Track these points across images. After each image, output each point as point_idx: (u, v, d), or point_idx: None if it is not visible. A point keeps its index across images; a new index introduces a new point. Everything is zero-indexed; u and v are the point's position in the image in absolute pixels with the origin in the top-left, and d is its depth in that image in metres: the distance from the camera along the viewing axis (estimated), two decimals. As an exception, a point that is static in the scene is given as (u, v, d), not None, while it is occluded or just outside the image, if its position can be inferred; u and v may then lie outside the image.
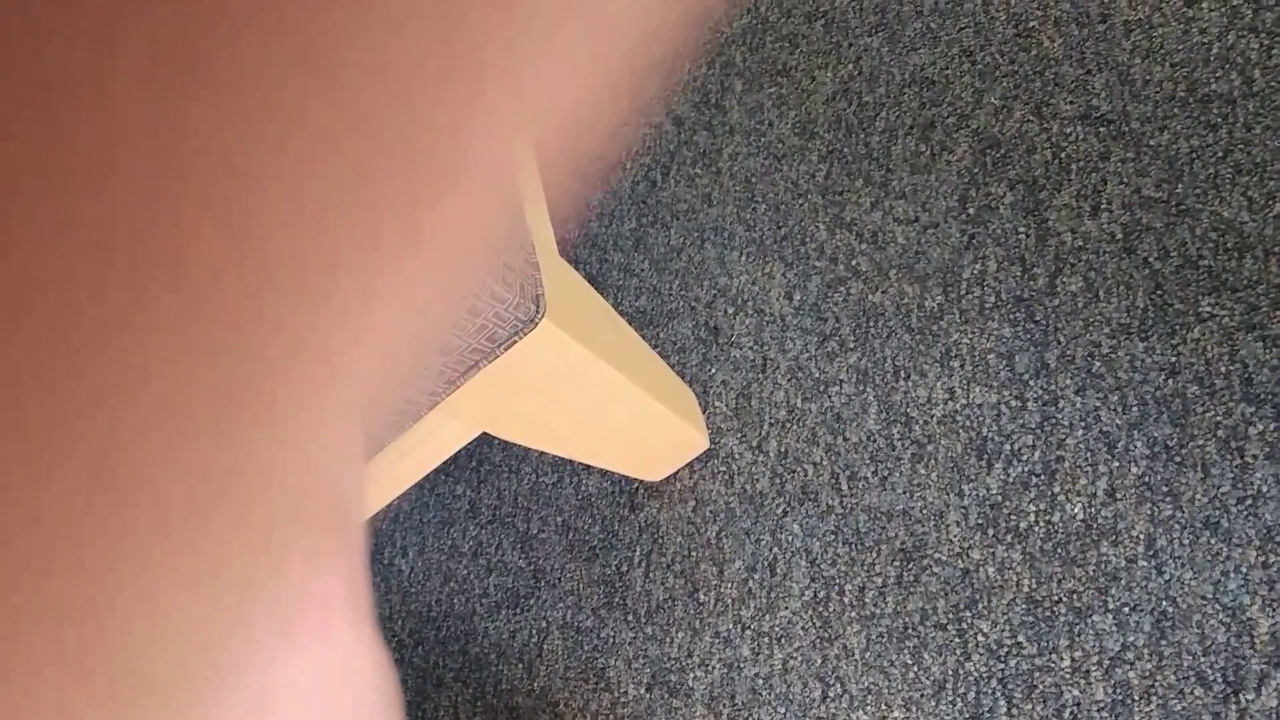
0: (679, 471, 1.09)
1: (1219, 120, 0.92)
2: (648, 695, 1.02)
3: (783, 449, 1.03)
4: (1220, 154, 0.91)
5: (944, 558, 0.91)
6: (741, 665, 0.98)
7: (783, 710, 0.95)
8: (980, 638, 0.88)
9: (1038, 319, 0.94)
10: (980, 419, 0.94)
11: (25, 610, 0.10)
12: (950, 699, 0.87)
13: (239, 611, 0.13)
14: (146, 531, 0.10)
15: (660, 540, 1.07)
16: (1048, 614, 0.85)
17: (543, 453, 1.20)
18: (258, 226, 0.09)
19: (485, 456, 1.25)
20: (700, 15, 1.31)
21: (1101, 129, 0.97)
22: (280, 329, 0.10)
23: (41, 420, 0.09)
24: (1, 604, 0.09)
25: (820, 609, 0.95)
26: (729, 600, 1.01)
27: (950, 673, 0.88)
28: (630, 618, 1.06)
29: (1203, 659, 0.78)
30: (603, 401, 0.96)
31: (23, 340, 0.08)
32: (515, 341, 0.87)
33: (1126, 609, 0.82)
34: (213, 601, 0.12)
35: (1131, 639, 0.81)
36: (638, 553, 1.08)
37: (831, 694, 0.93)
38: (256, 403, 0.11)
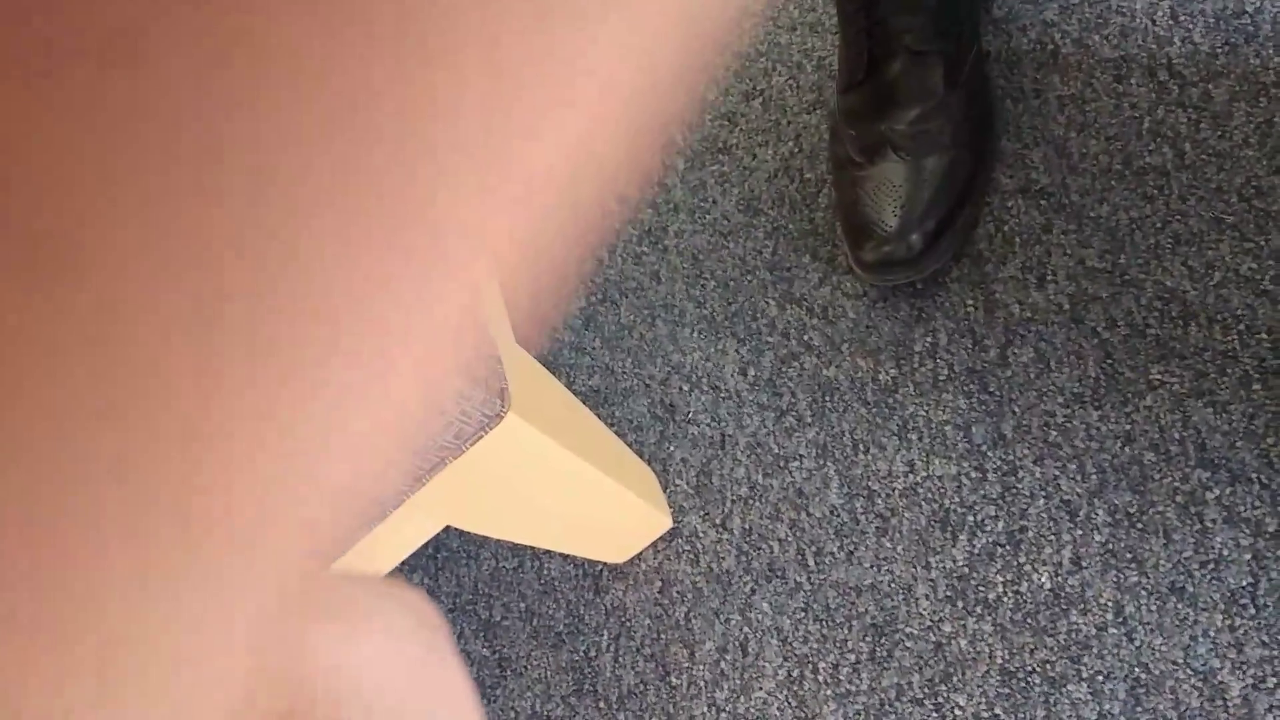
0: (643, 552, 1.09)
1: (1155, 192, 0.95)
2: (623, 782, 1.02)
3: (746, 526, 1.04)
4: (1159, 225, 0.94)
5: (915, 631, 0.92)
6: (718, 748, 0.98)
7: (762, 792, 0.95)
8: (957, 711, 0.89)
9: (991, 390, 0.96)
10: (942, 491, 0.95)
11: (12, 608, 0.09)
12: (931, 774, 0.88)
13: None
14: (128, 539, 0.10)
15: (628, 623, 1.07)
16: (1022, 685, 0.87)
17: (501, 537, 1.19)
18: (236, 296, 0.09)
19: (442, 543, 1.24)
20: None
21: (1042, 202, 1.00)
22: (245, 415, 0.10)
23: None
24: None
25: (795, 688, 0.96)
26: (702, 683, 1.00)
27: (929, 747, 0.89)
28: (602, 705, 1.05)
29: (1177, 723, 0.80)
30: (566, 488, 0.96)
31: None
32: (481, 437, 0.87)
33: (1100, 677, 0.84)
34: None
35: (1108, 707, 0.83)
36: (605, 637, 1.08)
37: (811, 774, 0.93)
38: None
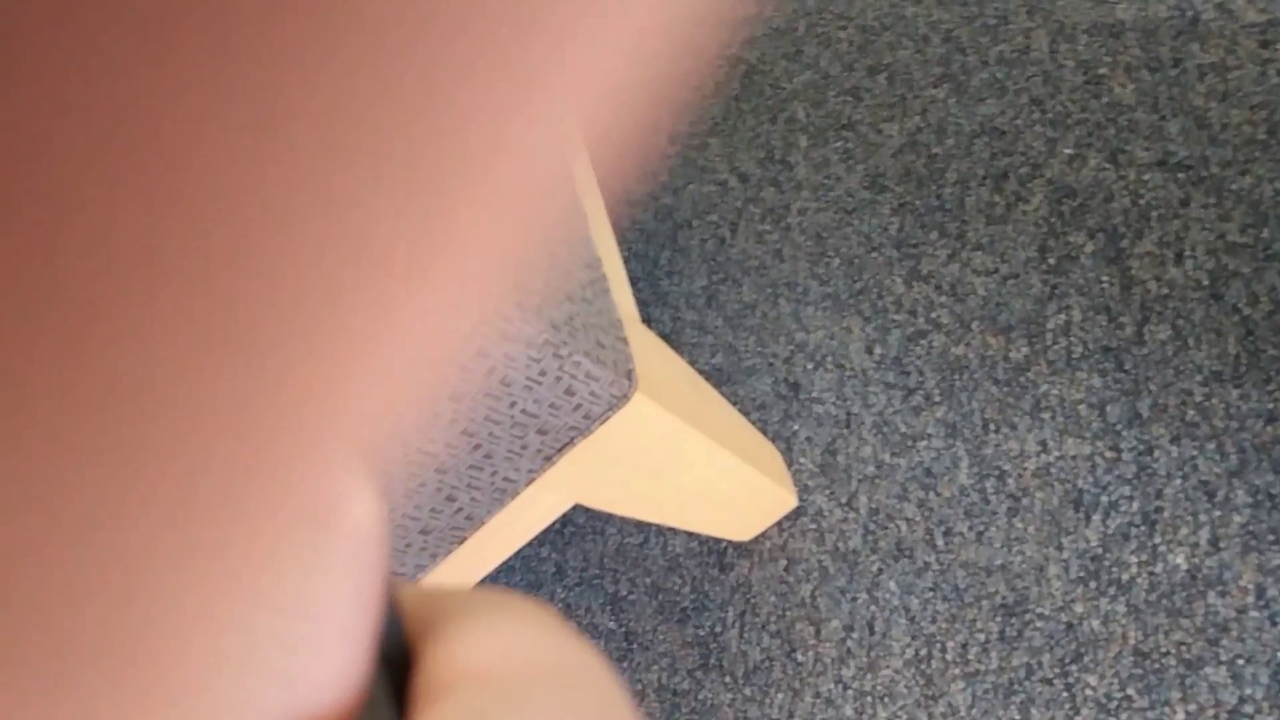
0: (768, 530, 1.09)
1: (1301, 163, 0.92)
2: (748, 756, 1.03)
3: (873, 505, 1.03)
4: (1304, 197, 0.91)
5: (1046, 612, 0.91)
6: (845, 725, 0.98)
7: (889, 769, 0.95)
8: (1089, 692, 0.87)
9: (1127, 368, 0.94)
10: (1075, 471, 0.94)
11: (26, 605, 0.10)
12: (1063, 756, 0.87)
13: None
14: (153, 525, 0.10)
15: (753, 600, 1.08)
16: (1157, 666, 0.85)
17: (627, 514, 1.20)
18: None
19: (569, 518, 1.26)
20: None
21: (1180, 175, 0.97)
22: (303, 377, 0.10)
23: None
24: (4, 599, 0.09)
25: (923, 667, 0.95)
26: (828, 660, 1.01)
27: (1061, 729, 0.88)
28: (728, 679, 1.06)
29: (1322, 710, 0.78)
30: (692, 466, 0.97)
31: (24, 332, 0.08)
32: (609, 416, 0.88)
33: (1240, 660, 0.82)
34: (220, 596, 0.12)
35: (1249, 691, 0.81)
36: (731, 613, 1.09)
37: (940, 753, 0.92)
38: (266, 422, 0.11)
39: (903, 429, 1.04)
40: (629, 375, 0.88)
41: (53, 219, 0.08)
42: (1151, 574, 0.88)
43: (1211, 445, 0.88)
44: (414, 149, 0.09)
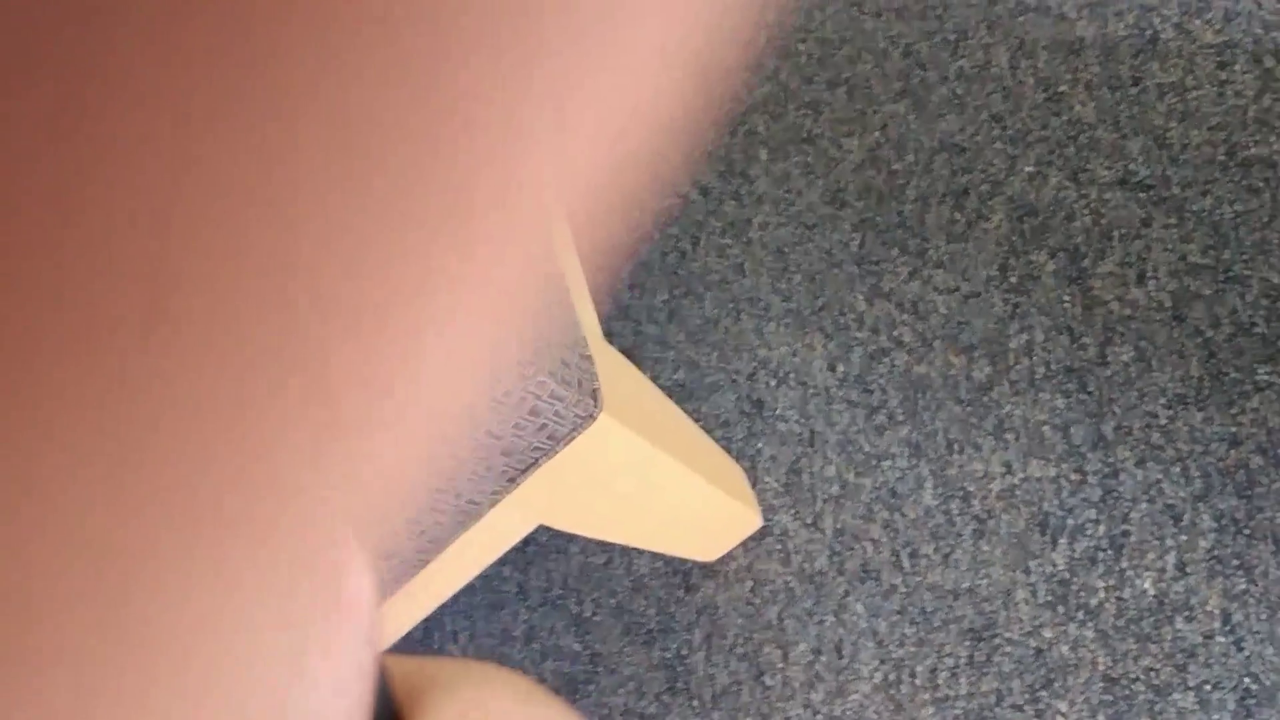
0: (733, 551, 1.09)
1: (1261, 184, 0.93)
2: (717, 780, 1.02)
3: (839, 526, 1.03)
4: (1265, 219, 0.91)
5: (1015, 637, 0.91)
6: (814, 750, 0.98)
7: (858, 793, 0.95)
8: (1059, 718, 0.88)
9: (1090, 389, 0.94)
10: (1040, 493, 0.94)
11: (34, 607, 0.10)
12: (1033, 781, 0.87)
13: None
14: (159, 531, 0.10)
15: (719, 622, 1.07)
16: (1126, 693, 0.86)
17: (589, 533, 1.19)
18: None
19: (531, 537, 1.24)
20: (719, 86, 1.31)
21: (1141, 194, 0.98)
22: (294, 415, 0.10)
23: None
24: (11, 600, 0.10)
25: (892, 691, 0.95)
26: (796, 684, 1.00)
27: (1031, 754, 0.88)
28: (695, 703, 1.05)
29: (1289, 735, 0.79)
30: (658, 487, 0.96)
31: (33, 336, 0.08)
32: (574, 437, 0.88)
33: (1208, 687, 0.82)
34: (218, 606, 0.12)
35: (1216, 717, 0.81)
36: (697, 635, 1.08)
37: (909, 778, 0.93)
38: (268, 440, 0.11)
39: (866, 448, 1.04)
40: (594, 395, 0.87)
41: (57, 217, 0.08)
42: (1119, 599, 0.88)
43: (1176, 469, 0.89)
44: (425, 171, 0.10)
